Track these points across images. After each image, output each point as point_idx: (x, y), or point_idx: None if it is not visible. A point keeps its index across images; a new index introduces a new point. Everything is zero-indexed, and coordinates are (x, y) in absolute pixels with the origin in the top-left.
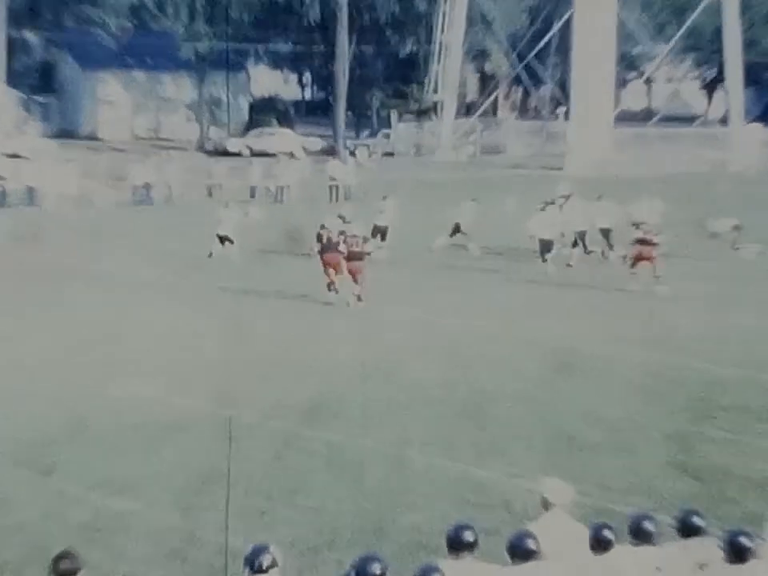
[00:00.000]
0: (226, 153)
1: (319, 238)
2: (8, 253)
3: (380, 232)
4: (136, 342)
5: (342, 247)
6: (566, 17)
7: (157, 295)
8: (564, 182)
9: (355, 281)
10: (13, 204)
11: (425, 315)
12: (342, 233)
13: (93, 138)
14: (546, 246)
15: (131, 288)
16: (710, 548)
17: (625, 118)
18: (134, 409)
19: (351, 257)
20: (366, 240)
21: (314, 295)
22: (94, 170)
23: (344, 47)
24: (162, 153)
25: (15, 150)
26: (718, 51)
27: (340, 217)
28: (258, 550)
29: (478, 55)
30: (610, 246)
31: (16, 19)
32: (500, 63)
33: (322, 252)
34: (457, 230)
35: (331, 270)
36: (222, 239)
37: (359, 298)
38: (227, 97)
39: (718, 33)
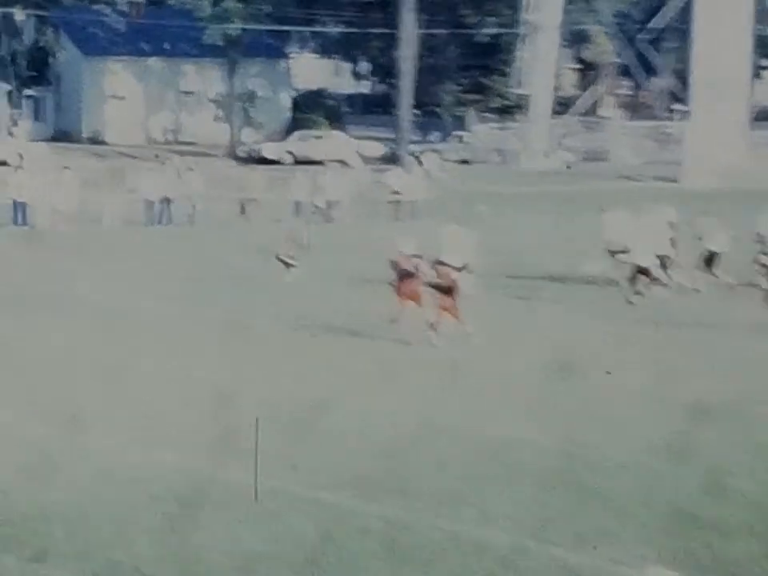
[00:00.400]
0: (262, 160)
1: (394, 264)
2: None
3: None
4: (151, 399)
5: (426, 275)
6: None
7: (173, 339)
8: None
9: (447, 317)
10: None
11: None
12: (417, 257)
13: (97, 141)
14: (639, 273)
15: (139, 328)
16: None
17: (763, 117)
18: (151, 479)
19: (439, 288)
20: (456, 268)
21: (384, 332)
22: (97, 180)
23: (410, 29)
24: (182, 160)
25: (1, 157)
26: None
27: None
28: None
29: (575, 39)
30: (714, 274)
31: None
32: (603, 49)
33: (397, 281)
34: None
35: (410, 303)
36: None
37: (447, 337)
38: (264, 91)
39: None
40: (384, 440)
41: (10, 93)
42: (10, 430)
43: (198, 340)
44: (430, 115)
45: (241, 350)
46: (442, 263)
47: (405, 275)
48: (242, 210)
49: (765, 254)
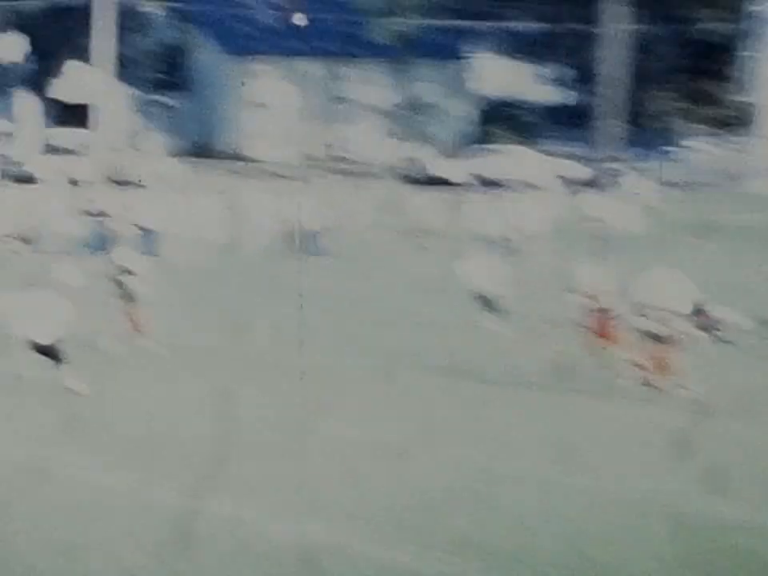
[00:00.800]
0: (436, 181)
1: (595, 307)
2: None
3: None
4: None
5: (637, 321)
6: None
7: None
8: None
9: (657, 368)
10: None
11: None
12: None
13: (237, 156)
14: None
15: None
16: None
17: None
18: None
19: (652, 336)
20: (676, 314)
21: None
22: (238, 202)
23: (617, 25)
24: (342, 180)
25: (126, 175)
26: None
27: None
28: None
29: None
30: None
31: None
32: None
33: (597, 322)
34: None
35: (611, 344)
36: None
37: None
38: (439, 99)
39: None
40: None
41: (137, 98)
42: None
43: (399, 399)
44: (638, 128)
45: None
46: (658, 308)
47: (606, 318)
48: (413, 241)
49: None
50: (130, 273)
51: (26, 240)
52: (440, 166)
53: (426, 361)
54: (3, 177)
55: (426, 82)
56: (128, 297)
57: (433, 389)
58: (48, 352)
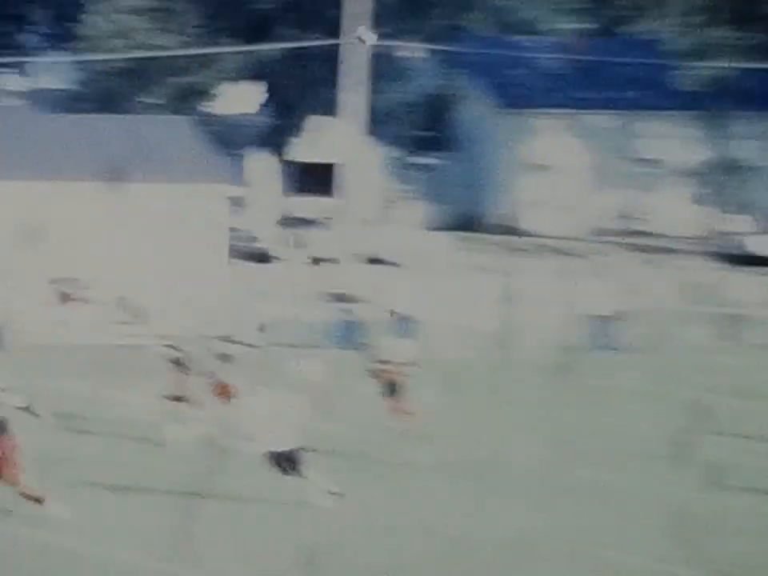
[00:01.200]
0: (758, 260)
1: None
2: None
3: None
4: None
5: None
6: None
7: None
8: None
9: None
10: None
11: None
12: None
13: (513, 230)
14: None
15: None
16: None
17: None
18: None
19: None
20: None
21: None
22: (512, 284)
23: None
24: (639, 257)
25: (377, 251)
26: None
27: None
28: None
29: None
30: None
31: (386, 20)
32: None
33: None
34: None
35: None
36: None
37: None
38: (761, 159)
39: None
40: None
41: (391, 160)
42: None
43: None
44: None
45: None
46: None
47: None
48: (728, 332)
49: None
50: (391, 365)
51: (260, 329)
52: (761, 242)
53: None
54: (231, 255)
55: (743, 138)
56: (391, 392)
57: None
58: (286, 461)
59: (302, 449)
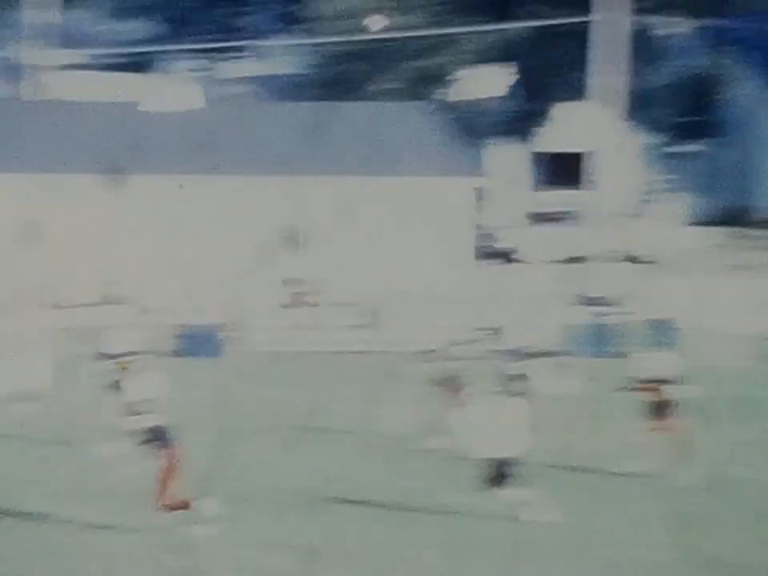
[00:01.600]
0: None
1: None
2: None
3: None
4: None
5: None
6: None
7: None
8: None
9: None
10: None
11: None
12: None
13: None
14: None
15: None
16: None
17: None
18: None
19: None
20: None
21: None
22: None
23: None
24: None
25: (633, 249)
26: None
27: None
28: None
29: None
30: None
31: None
32: None
33: None
34: None
35: None
36: None
37: None
38: None
39: None
40: None
41: (651, 148)
42: None
43: None
44: None
45: None
46: None
47: None
48: None
49: None
50: (655, 381)
51: (495, 331)
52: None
53: None
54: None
55: None
56: (656, 410)
57: None
58: (500, 473)
59: (519, 462)
